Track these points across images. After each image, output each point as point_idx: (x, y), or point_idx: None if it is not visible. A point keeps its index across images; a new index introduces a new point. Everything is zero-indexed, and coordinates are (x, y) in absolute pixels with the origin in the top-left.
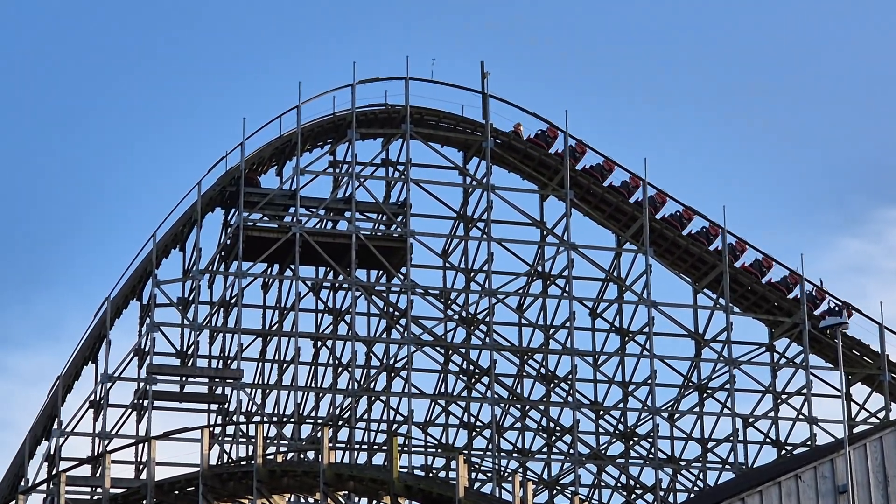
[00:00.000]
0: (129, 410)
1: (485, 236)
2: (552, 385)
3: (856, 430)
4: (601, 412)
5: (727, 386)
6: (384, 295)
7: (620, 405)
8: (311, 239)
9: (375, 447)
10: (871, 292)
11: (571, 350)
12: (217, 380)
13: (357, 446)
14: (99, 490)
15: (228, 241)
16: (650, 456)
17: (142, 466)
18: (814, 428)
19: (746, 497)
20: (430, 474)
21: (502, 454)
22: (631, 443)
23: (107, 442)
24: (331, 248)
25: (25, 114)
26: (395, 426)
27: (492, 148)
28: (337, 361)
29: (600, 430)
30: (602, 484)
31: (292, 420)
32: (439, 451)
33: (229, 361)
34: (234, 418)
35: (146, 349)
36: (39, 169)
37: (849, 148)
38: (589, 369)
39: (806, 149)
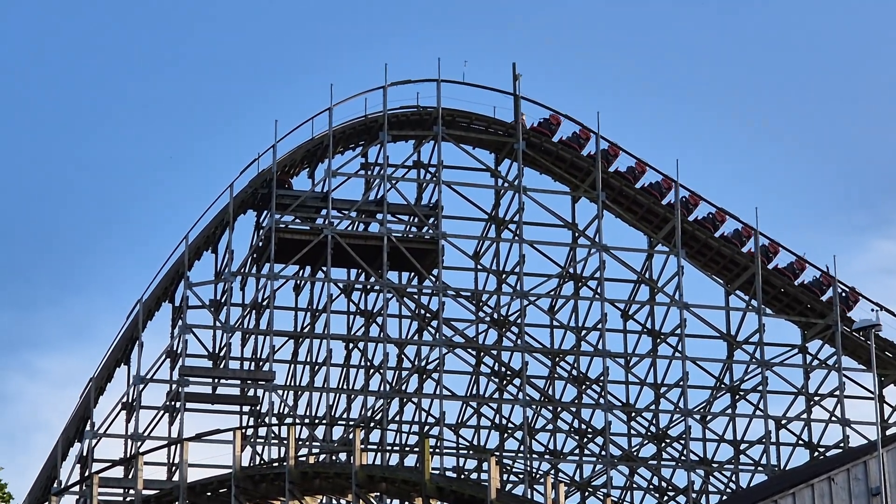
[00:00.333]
0: (162, 412)
1: (516, 238)
2: (584, 387)
3: (889, 432)
4: (633, 414)
5: (759, 388)
6: (416, 297)
7: (652, 407)
8: (343, 241)
9: (407, 449)
10: None
11: (603, 352)
12: (249, 382)
13: (389, 448)
14: (131, 491)
15: (260, 244)
16: (682, 458)
17: (174, 468)
18: (846, 430)
19: (779, 499)
20: (462, 476)
21: (534, 456)
22: (663, 444)
23: (139, 443)
24: (362, 251)
25: (60, 118)
26: (426, 428)
27: (523, 149)
28: (368, 363)
29: (632, 431)
30: (634, 486)
31: (324, 422)
32: (471, 452)
33: (261, 363)
34: (266, 420)
35: (178, 351)
36: (72, 172)
37: (880, 150)
38: (621, 371)
39: (838, 151)
